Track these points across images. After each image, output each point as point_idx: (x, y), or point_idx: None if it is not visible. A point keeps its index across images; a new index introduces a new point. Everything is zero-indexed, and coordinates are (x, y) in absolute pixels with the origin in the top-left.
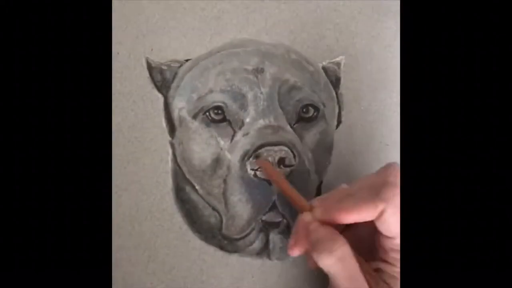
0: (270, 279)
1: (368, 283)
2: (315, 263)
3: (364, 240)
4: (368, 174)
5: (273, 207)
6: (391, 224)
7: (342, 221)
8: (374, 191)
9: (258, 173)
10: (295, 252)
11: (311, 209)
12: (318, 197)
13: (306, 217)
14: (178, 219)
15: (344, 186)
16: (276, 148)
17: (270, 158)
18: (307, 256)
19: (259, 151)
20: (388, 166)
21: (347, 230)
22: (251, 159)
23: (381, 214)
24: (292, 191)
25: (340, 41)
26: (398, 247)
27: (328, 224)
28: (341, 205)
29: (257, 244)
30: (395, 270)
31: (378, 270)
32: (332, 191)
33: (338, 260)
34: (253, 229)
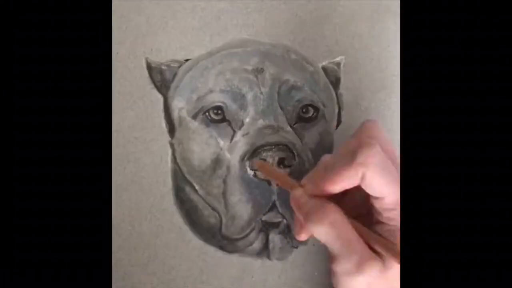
0: (270, 279)
1: (367, 244)
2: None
3: (360, 206)
4: (348, 137)
5: (273, 207)
6: (375, 185)
7: (330, 192)
8: (351, 156)
9: (258, 173)
10: (302, 236)
11: (301, 187)
12: (306, 176)
13: (296, 192)
14: (178, 219)
15: (326, 156)
16: (276, 148)
17: (270, 159)
18: (302, 229)
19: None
20: (362, 125)
21: (343, 199)
22: (248, 161)
23: (363, 178)
24: (284, 176)
25: (340, 41)
26: (389, 206)
27: (320, 197)
28: (325, 176)
29: (257, 244)
30: (389, 228)
31: (375, 232)
32: (316, 165)
33: (329, 226)
34: (253, 229)
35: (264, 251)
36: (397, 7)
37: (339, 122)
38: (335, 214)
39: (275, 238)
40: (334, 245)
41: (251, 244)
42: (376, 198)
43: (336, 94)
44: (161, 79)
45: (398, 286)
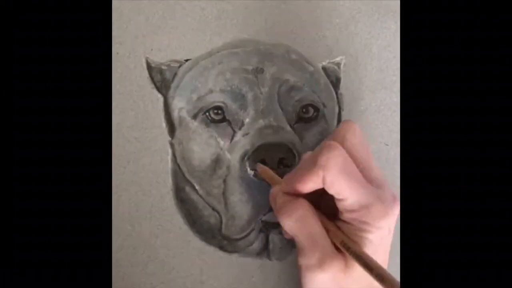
0: (270, 279)
1: (333, 242)
2: (288, 235)
3: (332, 205)
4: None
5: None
6: (335, 187)
7: (300, 191)
8: (314, 158)
9: (258, 173)
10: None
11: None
12: (288, 173)
13: (274, 189)
14: (178, 219)
15: (307, 154)
16: (276, 148)
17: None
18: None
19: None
20: (340, 124)
21: (322, 197)
22: (248, 161)
23: (324, 180)
24: (279, 178)
25: (340, 41)
26: (350, 208)
27: (294, 194)
28: (293, 177)
29: (257, 244)
30: (353, 228)
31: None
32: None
33: (296, 221)
34: (253, 229)
35: (264, 251)
36: (397, 7)
37: (339, 122)
38: (303, 209)
39: (275, 238)
40: (299, 238)
41: (251, 244)
42: (338, 199)
43: (336, 94)
44: (161, 79)
45: (368, 283)
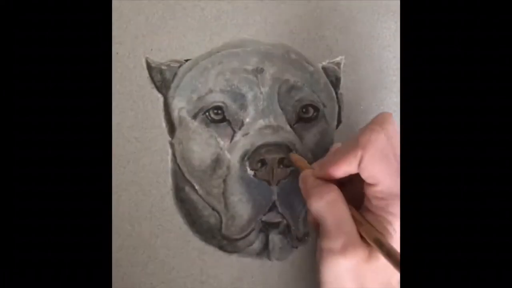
0: (270, 279)
1: (358, 231)
2: (313, 219)
3: (359, 195)
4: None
5: (273, 207)
6: (370, 170)
7: (334, 175)
8: (351, 142)
9: (257, 173)
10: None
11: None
12: (318, 160)
13: (304, 173)
14: (178, 219)
15: (338, 144)
16: (276, 148)
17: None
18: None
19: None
20: (376, 115)
21: (347, 187)
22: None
23: (361, 161)
24: (305, 163)
25: (340, 41)
26: (379, 195)
27: (325, 179)
28: (330, 159)
29: (257, 244)
30: (376, 218)
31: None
32: (328, 151)
33: (327, 204)
34: (253, 229)
35: (264, 251)
36: (397, 7)
37: (339, 122)
38: (334, 194)
39: (275, 238)
40: (326, 221)
41: (251, 244)
42: (369, 184)
43: (336, 94)
44: (161, 79)
45: (383, 279)
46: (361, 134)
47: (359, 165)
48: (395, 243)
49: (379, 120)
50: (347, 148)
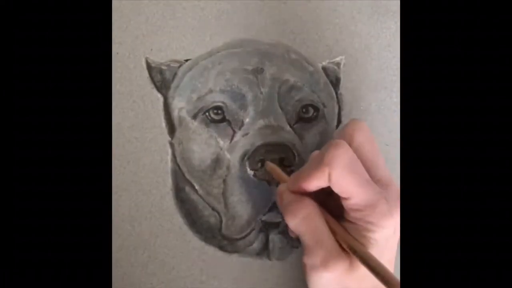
0: (270, 279)
1: (338, 241)
2: (294, 234)
3: (339, 205)
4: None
5: (273, 207)
6: (341, 186)
7: (306, 189)
8: (316, 159)
9: (257, 173)
10: (291, 232)
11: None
12: (295, 172)
13: (280, 187)
14: (178, 219)
15: (315, 153)
16: (276, 148)
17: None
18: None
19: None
20: (345, 124)
21: (329, 196)
22: (248, 161)
23: (329, 177)
24: (285, 176)
25: (340, 41)
26: (355, 207)
27: (300, 193)
28: (300, 174)
29: (257, 244)
30: (357, 227)
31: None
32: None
33: (302, 220)
34: (253, 229)
35: (264, 251)
36: (397, 7)
37: (339, 122)
38: (308, 209)
39: (275, 238)
40: (304, 238)
41: (251, 244)
42: (343, 198)
43: (336, 94)
44: (161, 79)
45: (367, 286)
46: (326, 150)
47: (329, 181)
48: (381, 250)
49: (347, 131)
50: (315, 164)
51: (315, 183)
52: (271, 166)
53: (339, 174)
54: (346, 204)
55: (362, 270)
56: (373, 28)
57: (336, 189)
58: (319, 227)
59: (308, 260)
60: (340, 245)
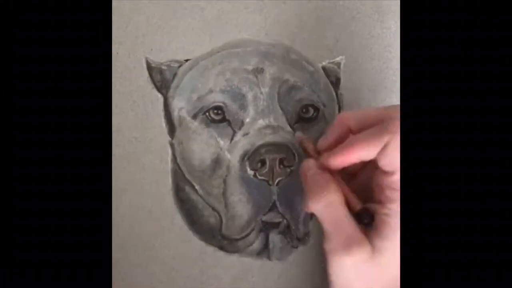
0: (270, 279)
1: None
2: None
3: (365, 189)
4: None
5: (273, 207)
6: (393, 157)
7: (346, 161)
8: (379, 126)
9: (258, 173)
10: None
11: (319, 153)
12: (323, 136)
13: (306, 163)
14: (178, 219)
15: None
16: (276, 148)
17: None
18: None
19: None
20: (389, 106)
21: (349, 181)
22: (248, 161)
23: (384, 147)
24: (308, 142)
25: (340, 41)
26: (395, 185)
27: (328, 172)
28: (347, 143)
29: (257, 244)
30: (386, 212)
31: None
32: (331, 127)
33: (324, 206)
34: (253, 229)
35: (264, 251)
36: (397, 7)
37: None
38: (332, 197)
39: (275, 238)
40: (325, 223)
41: (251, 244)
42: (385, 173)
43: (336, 94)
44: (161, 79)
45: (390, 274)
46: (391, 122)
47: (381, 151)
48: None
49: (398, 110)
50: (370, 133)
51: (363, 153)
52: (301, 137)
53: (396, 145)
54: (387, 180)
55: (385, 257)
56: (373, 28)
57: (385, 161)
58: (340, 216)
59: (329, 245)
60: (363, 233)
